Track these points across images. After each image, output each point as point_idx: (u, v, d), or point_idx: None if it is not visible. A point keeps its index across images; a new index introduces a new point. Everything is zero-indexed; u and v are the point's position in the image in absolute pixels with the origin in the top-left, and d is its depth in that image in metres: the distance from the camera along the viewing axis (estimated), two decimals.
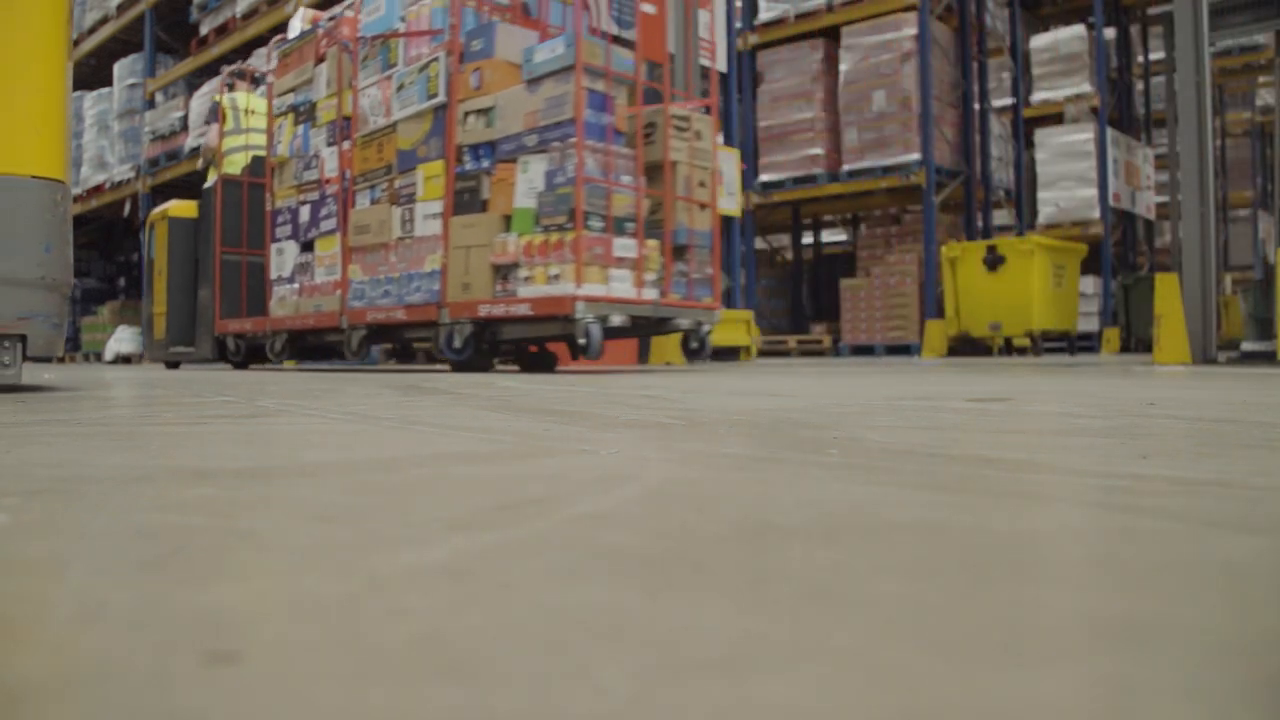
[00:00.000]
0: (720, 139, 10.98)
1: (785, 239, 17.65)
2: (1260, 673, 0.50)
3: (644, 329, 5.81)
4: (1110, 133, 14.56)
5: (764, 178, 13.27)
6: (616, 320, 5.18)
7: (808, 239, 17.63)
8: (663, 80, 5.91)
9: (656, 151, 5.52)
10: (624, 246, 5.21)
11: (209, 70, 13.21)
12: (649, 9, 5.82)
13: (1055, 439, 1.74)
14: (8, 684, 0.48)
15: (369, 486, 1.16)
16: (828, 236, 18.63)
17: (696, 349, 5.86)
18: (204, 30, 13.35)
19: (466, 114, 5.55)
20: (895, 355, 12.15)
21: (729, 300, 10.89)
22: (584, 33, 5.17)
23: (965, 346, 11.59)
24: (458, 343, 5.57)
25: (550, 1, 5.90)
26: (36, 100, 3.37)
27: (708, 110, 5.98)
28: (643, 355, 8.60)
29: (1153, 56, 17.27)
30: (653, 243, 5.47)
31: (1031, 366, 6.71)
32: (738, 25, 12.85)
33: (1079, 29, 14.88)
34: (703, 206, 5.76)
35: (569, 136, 5.06)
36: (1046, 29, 15.92)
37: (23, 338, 3.31)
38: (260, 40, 11.63)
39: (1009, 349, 11.59)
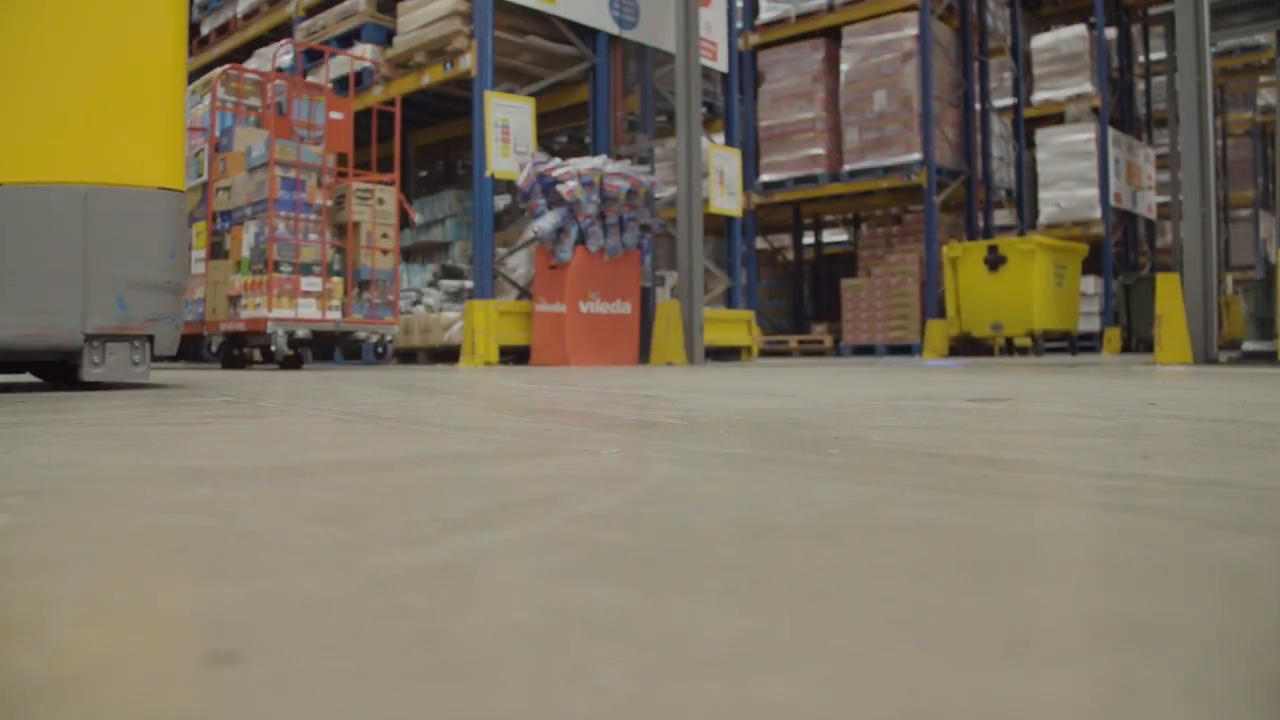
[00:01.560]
0: (721, 139, 10.99)
1: (786, 239, 17.63)
2: (1260, 673, 0.50)
3: (332, 341, 7.79)
4: (1111, 133, 14.55)
5: (765, 177, 13.26)
6: (301, 333, 7.21)
7: (809, 239, 17.61)
8: (348, 165, 8.10)
9: (344, 214, 7.70)
10: (310, 283, 7.36)
11: (210, 70, 13.18)
12: (337, 116, 7.84)
13: (1056, 439, 1.74)
14: (8, 684, 0.48)
15: (369, 486, 1.16)
16: (828, 236, 18.60)
17: (381, 353, 7.84)
18: (205, 30, 13.32)
19: (218, 190, 7.84)
20: (896, 355, 12.14)
21: (729, 300, 10.88)
22: (279, 139, 7.39)
23: (966, 346, 11.58)
24: (214, 348, 7.65)
25: (295, 101, 7.83)
26: (161, 117, 3.56)
27: (391, 183, 8.04)
28: (643, 355, 8.61)
29: (1154, 56, 17.25)
30: (337, 279, 7.51)
31: (1032, 366, 6.71)
32: (738, 25, 12.84)
33: (1080, 29, 14.86)
34: (385, 252, 7.87)
35: (266, 210, 7.22)
36: (1047, 29, 15.90)
37: (150, 338, 3.50)
38: (261, 40, 11.63)
39: (1010, 349, 11.58)
